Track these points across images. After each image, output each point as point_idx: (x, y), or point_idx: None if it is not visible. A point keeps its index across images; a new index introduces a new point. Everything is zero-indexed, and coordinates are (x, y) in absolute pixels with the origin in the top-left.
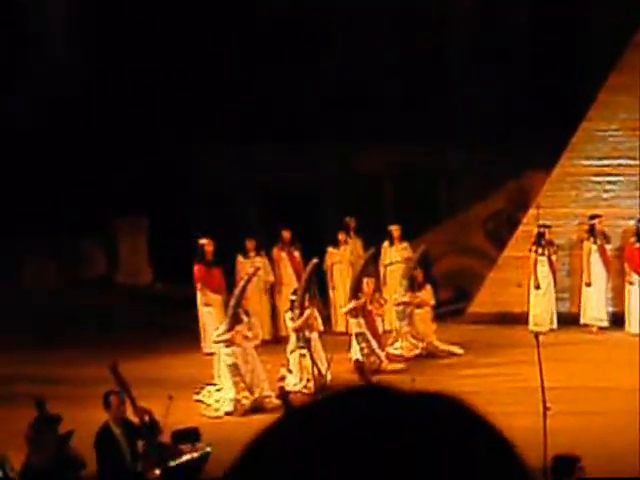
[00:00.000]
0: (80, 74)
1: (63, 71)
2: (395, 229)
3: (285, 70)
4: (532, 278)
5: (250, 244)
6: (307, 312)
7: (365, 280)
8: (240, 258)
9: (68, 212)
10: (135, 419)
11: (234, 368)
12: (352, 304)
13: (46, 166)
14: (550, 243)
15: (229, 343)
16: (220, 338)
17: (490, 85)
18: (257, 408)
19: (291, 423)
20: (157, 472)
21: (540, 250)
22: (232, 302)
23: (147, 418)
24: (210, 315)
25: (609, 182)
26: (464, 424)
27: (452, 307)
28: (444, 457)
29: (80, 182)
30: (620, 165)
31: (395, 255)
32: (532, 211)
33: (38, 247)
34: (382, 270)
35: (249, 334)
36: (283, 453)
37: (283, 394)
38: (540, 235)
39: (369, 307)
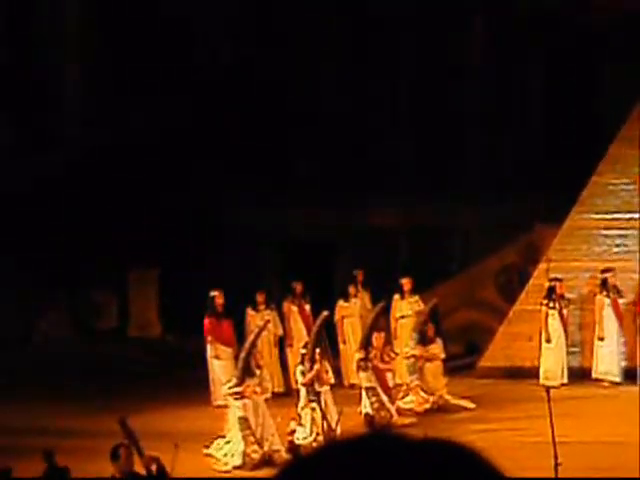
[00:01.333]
0: (96, 122)
1: (79, 118)
2: (406, 282)
3: (305, 128)
4: (543, 332)
5: (260, 297)
6: (317, 366)
7: (375, 334)
8: (250, 311)
9: (81, 263)
10: (142, 472)
11: (244, 421)
12: (361, 356)
13: (59, 217)
14: (561, 297)
15: (240, 396)
16: (231, 391)
17: (500, 142)
18: (267, 462)
19: (295, 470)
20: None
21: (551, 304)
22: (242, 355)
23: (154, 467)
24: (220, 367)
25: (620, 236)
26: (469, 469)
27: (463, 361)
28: None
29: (93, 234)
30: (631, 219)
31: (406, 308)
32: (543, 265)
33: (51, 298)
34: (393, 323)
35: (258, 389)
36: None
37: (293, 448)
38: (551, 289)
39: (378, 363)
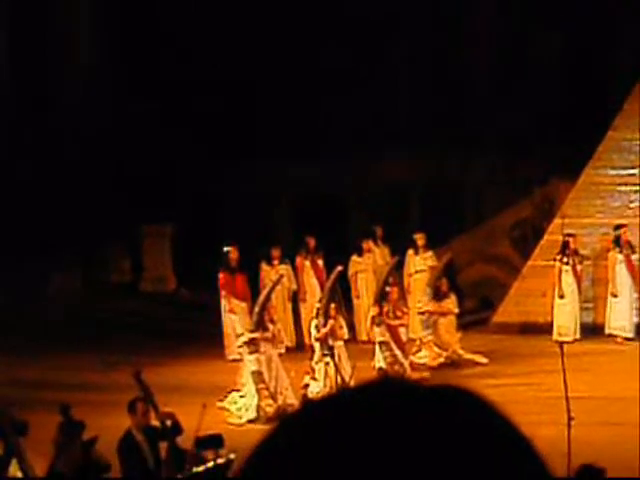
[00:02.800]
0: (115, 84)
1: (98, 81)
2: (420, 237)
3: (317, 85)
4: (556, 288)
5: (275, 252)
6: (331, 321)
7: (389, 289)
8: (264, 266)
9: (95, 219)
10: (157, 425)
11: (258, 375)
12: (375, 311)
13: (75, 174)
14: (575, 252)
15: (253, 350)
16: (245, 345)
17: (517, 96)
18: (281, 416)
19: (305, 415)
20: (180, 478)
21: (565, 259)
22: (256, 309)
23: (169, 422)
24: (234, 322)
25: (635, 191)
26: (478, 414)
27: (476, 316)
28: (458, 444)
29: (106, 190)
30: None
31: (420, 264)
32: (557, 220)
33: (65, 254)
34: (406, 279)
35: (273, 342)
36: (296, 443)
37: (306, 402)
38: (565, 244)
39: (391, 319)
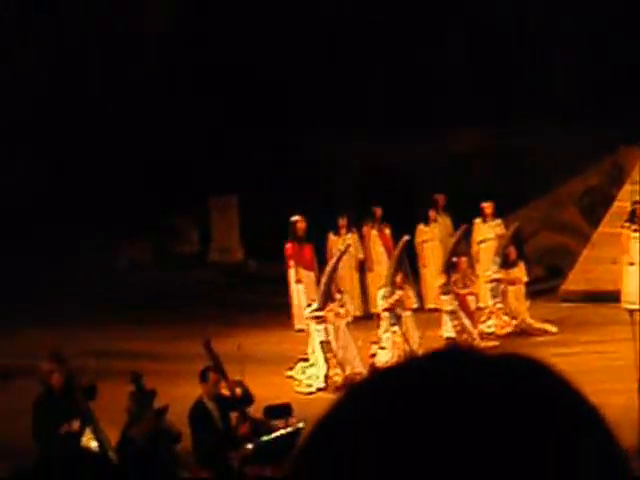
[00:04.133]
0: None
1: (176, 52)
2: (487, 206)
3: (380, 54)
4: (626, 255)
5: (342, 221)
6: (398, 291)
7: (457, 258)
8: (331, 235)
9: (162, 190)
10: (228, 394)
11: (326, 345)
12: (443, 280)
13: (142, 145)
14: None
15: (321, 320)
16: (313, 315)
17: (585, 61)
18: (349, 385)
19: (372, 384)
20: (250, 447)
21: (634, 227)
22: (324, 279)
23: (239, 391)
24: (301, 292)
25: None
26: (548, 384)
27: (545, 285)
28: (527, 414)
29: (175, 161)
30: None
31: (488, 232)
32: (627, 187)
33: (134, 225)
34: (474, 247)
35: (341, 311)
36: (363, 412)
37: (374, 370)
38: (633, 212)
39: (460, 287)
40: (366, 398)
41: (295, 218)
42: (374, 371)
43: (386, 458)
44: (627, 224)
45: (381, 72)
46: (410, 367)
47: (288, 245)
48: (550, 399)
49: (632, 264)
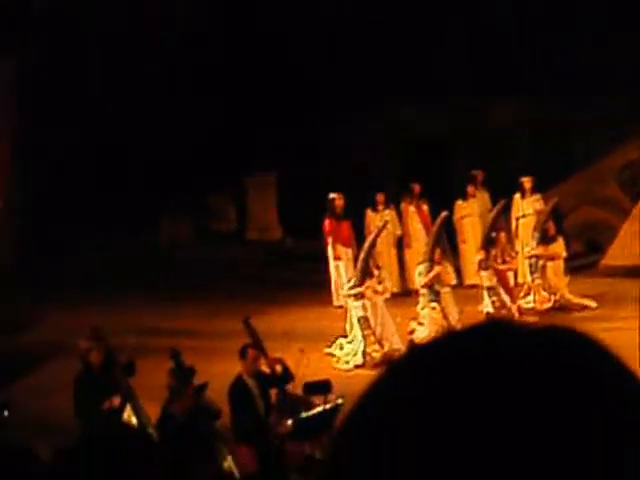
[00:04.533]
0: (224, 39)
1: (207, 33)
2: (527, 181)
3: (415, 24)
4: None
5: (379, 197)
6: (437, 267)
7: (496, 234)
8: (369, 212)
9: (201, 168)
10: (267, 371)
11: (364, 321)
12: (482, 256)
13: (181, 123)
14: None
15: (359, 296)
16: (351, 292)
17: (624, 37)
18: (387, 361)
19: (412, 359)
20: (289, 423)
21: None
22: (362, 256)
23: (279, 368)
24: (340, 268)
25: None
26: (593, 356)
27: (584, 260)
28: (572, 387)
29: (211, 138)
30: None
31: (527, 207)
32: None
33: (175, 203)
34: (513, 223)
35: (379, 288)
36: (403, 388)
37: (413, 346)
38: None
39: (499, 263)
40: (405, 375)
41: (333, 195)
42: (413, 347)
43: (426, 435)
44: None
45: (423, 45)
46: (449, 341)
47: (326, 222)
48: (596, 372)
49: None
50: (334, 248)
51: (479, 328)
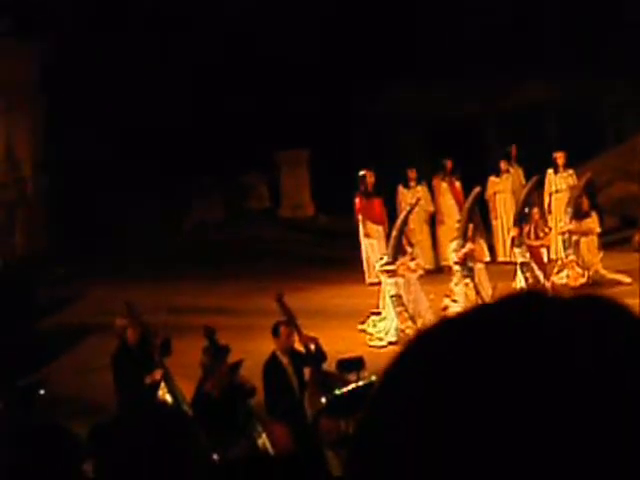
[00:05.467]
0: (254, 14)
1: (236, 11)
2: (560, 156)
3: (444, 4)
4: None
5: (411, 174)
6: (469, 244)
7: (529, 209)
8: (401, 188)
9: (232, 146)
10: (301, 349)
11: (397, 298)
12: (515, 232)
13: (211, 101)
14: None
15: (392, 273)
16: (384, 269)
17: None
18: (417, 331)
19: (442, 328)
20: (323, 400)
21: None
22: (395, 233)
23: (313, 346)
24: (371, 246)
25: None
26: (629, 323)
27: (618, 235)
28: (609, 355)
29: (244, 116)
30: None
31: (560, 183)
32: None
33: (204, 181)
34: (547, 198)
35: (412, 265)
36: (432, 357)
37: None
38: None
39: (532, 240)
40: (437, 343)
41: (363, 172)
42: (443, 319)
43: (454, 407)
44: None
45: (454, 23)
46: (482, 311)
47: (356, 199)
48: (635, 342)
49: None
50: (364, 225)
51: (512, 298)
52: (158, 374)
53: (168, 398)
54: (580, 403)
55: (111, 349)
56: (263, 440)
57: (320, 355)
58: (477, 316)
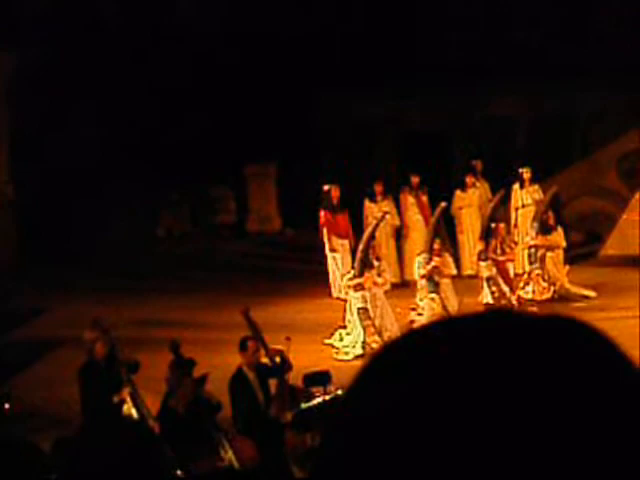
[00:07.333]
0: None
1: (205, 27)
2: (526, 171)
3: (414, 15)
4: None
5: (378, 188)
6: (436, 258)
7: (495, 224)
8: (368, 202)
9: (200, 160)
10: (267, 363)
11: (364, 312)
12: (481, 246)
13: (180, 115)
14: None
15: (359, 287)
16: (351, 283)
17: (627, 29)
18: (384, 343)
19: (407, 341)
20: (289, 415)
21: None
22: (361, 247)
23: (278, 359)
24: (336, 260)
25: None
26: (593, 344)
27: (584, 250)
28: (570, 374)
29: (211, 130)
30: None
31: (526, 198)
32: None
33: (171, 195)
34: (512, 213)
35: (379, 279)
36: (396, 370)
37: (410, 330)
38: None
39: (497, 256)
40: (401, 356)
41: (327, 187)
42: (410, 330)
43: (419, 419)
44: None
45: (415, 35)
46: (447, 325)
47: (321, 214)
48: (597, 360)
49: None
50: (329, 240)
51: (479, 313)
52: (125, 393)
53: (133, 413)
54: (531, 420)
55: (78, 363)
56: (229, 455)
57: (285, 366)
58: (442, 329)
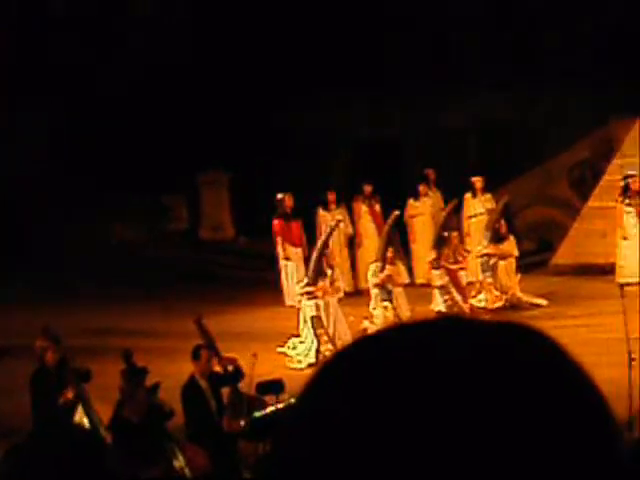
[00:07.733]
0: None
1: (158, 35)
2: (478, 180)
3: (369, 22)
4: (619, 229)
5: (331, 196)
6: (389, 267)
7: (447, 233)
8: (321, 211)
9: (152, 168)
10: (220, 371)
11: (317, 320)
12: (434, 255)
13: (132, 122)
14: (637, 194)
15: (312, 296)
16: (304, 291)
17: (577, 35)
18: (336, 352)
19: (359, 347)
20: (242, 423)
21: (627, 201)
22: (315, 255)
23: (231, 368)
24: (290, 268)
25: None
26: (544, 350)
27: (536, 258)
28: (524, 382)
29: (164, 138)
30: None
31: (478, 207)
32: (616, 161)
33: (127, 204)
34: (465, 222)
35: (332, 288)
36: (347, 377)
37: (361, 336)
38: (626, 186)
39: (450, 265)
40: (352, 363)
41: (281, 195)
42: (361, 337)
43: (369, 424)
44: (620, 198)
45: (370, 42)
46: (399, 332)
47: (275, 222)
48: (549, 367)
49: (625, 238)
50: (283, 248)
51: (432, 320)
52: (70, 393)
53: (85, 421)
54: (480, 424)
55: (29, 372)
56: (180, 463)
57: (238, 375)
58: (394, 335)
